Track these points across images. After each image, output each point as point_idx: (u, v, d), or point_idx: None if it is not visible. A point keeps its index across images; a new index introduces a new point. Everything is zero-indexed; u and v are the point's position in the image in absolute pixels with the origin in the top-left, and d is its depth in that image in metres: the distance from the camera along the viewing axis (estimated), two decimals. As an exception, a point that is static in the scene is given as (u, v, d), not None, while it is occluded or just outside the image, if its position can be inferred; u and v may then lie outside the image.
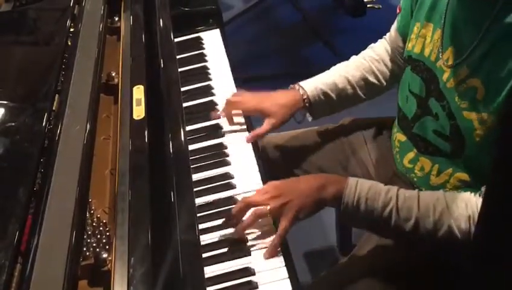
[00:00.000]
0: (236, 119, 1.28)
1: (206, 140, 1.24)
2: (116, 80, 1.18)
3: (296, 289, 0.96)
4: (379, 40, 1.36)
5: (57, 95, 1.03)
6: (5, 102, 1.04)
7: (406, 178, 1.22)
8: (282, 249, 1.02)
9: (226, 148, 1.22)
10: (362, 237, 1.27)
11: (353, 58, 1.35)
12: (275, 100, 1.26)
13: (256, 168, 1.17)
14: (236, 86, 1.38)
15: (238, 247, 1.02)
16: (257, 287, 0.96)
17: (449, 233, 0.98)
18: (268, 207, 1.01)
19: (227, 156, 1.20)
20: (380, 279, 1.12)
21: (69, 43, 1.16)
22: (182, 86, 1.31)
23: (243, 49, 2.78)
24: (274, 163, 1.37)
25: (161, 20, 1.31)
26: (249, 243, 1.02)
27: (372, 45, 1.36)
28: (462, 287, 0.99)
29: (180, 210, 0.90)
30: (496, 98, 0.94)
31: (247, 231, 1.03)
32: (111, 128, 1.09)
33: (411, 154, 1.18)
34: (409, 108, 1.17)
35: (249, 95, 1.29)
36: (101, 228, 0.89)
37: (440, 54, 1.06)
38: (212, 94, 1.36)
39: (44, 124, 0.95)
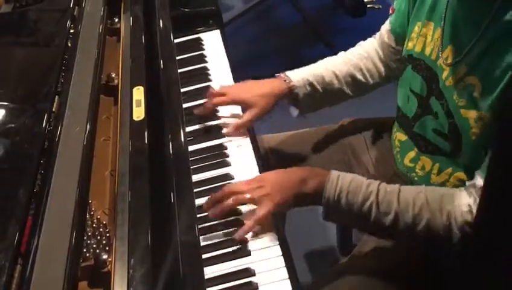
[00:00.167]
0: (236, 119, 1.28)
1: (206, 141, 1.24)
2: (116, 81, 1.18)
3: (296, 289, 0.96)
4: (368, 38, 1.36)
5: (57, 96, 1.03)
6: (5, 103, 1.04)
7: (406, 178, 1.22)
8: (282, 249, 1.02)
9: (226, 149, 1.22)
10: (362, 237, 1.27)
11: (341, 53, 1.34)
12: (257, 90, 1.25)
13: (257, 169, 1.17)
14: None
15: (238, 247, 1.02)
16: (257, 288, 0.96)
17: (428, 228, 0.99)
18: (248, 195, 1.02)
19: (227, 156, 1.20)
20: (380, 279, 1.12)
21: (69, 45, 1.16)
22: (182, 87, 1.31)
23: (243, 50, 2.78)
24: (274, 164, 1.37)
25: (161, 21, 1.31)
26: (249, 244, 1.02)
27: (361, 42, 1.36)
28: (461, 288, 0.99)
29: (180, 211, 0.90)
30: (491, 95, 0.95)
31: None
32: (111, 129, 1.09)
33: (412, 154, 1.18)
34: (409, 107, 1.17)
35: (233, 87, 1.29)
36: (101, 229, 0.89)
37: (440, 53, 1.06)
38: (212, 95, 1.36)
39: (44, 125, 0.95)
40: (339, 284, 1.14)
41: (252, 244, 1.02)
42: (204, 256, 0.98)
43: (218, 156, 1.20)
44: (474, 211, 0.96)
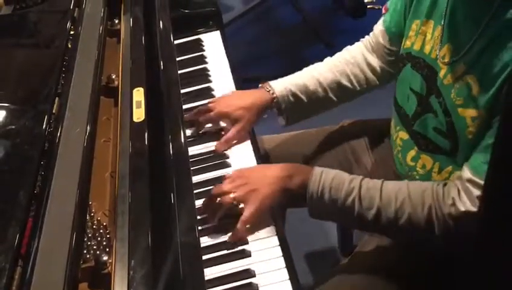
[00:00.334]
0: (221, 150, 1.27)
1: (206, 142, 1.24)
2: (116, 83, 1.18)
3: (296, 290, 0.96)
4: (356, 43, 1.34)
5: (57, 97, 1.03)
6: (6, 105, 1.04)
7: (406, 178, 1.22)
8: (282, 250, 1.02)
9: (226, 150, 1.22)
10: (363, 238, 1.27)
11: (327, 59, 1.33)
12: (240, 103, 1.25)
13: (257, 169, 1.17)
14: (236, 88, 1.38)
15: (238, 248, 1.02)
16: (257, 289, 0.96)
17: (409, 222, 1.00)
18: (233, 195, 1.03)
19: (228, 158, 1.20)
20: (381, 279, 1.12)
21: (69, 46, 1.17)
22: (182, 88, 1.31)
23: (243, 51, 2.78)
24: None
25: (161, 22, 1.31)
26: (250, 245, 1.02)
27: (348, 47, 1.34)
28: (462, 286, 0.99)
29: (180, 212, 0.90)
30: (488, 93, 0.95)
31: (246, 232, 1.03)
32: (111, 130, 1.09)
33: (412, 152, 1.18)
34: (409, 106, 1.17)
35: (219, 100, 1.28)
36: (101, 231, 0.89)
37: (439, 51, 1.06)
38: (213, 96, 1.36)
39: (44, 126, 0.95)
40: (340, 285, 1.14)
41: (252, 245, 1.02)
42: (204, 257, 0.98)
43: (219, 157, 1.20)
44: (459, 204, 0.97)
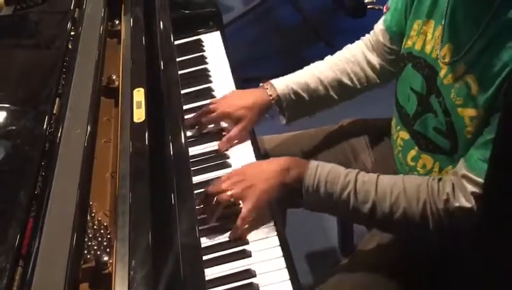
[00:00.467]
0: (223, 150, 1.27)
1: (206, 142, 1.24)
2: (116, 83, 1.18)
3: (297, 290, 0.96)
4: (356, 41, 1.35)
5: (57, 98, 1.03)
6: (6, 105, 1.04)
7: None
8: (283, 250, 1.02)
9: (226, 150, 1.22)
10: (364, 238, 1.27)
11: (328, 58, 1.33)
12: (241, 103, 1.25)
13: (257, 170, 1.17)
14: (236, 88, 1.38)
15: (238, 249, 1.02)
16: (258, 289, 0.96)
17: (404, 216, 1.01)
18: (230, 192, 1.03)
19: (228, 158, 1.20)
20: (382, 277, 1.13)
21: (70, 47, 1.17)
22: (183, 89, 1.31)
23: (244, 51, 2.78)
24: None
25: (161, 23, 1.31)
26: (250, 245, 1.02)
27: (349, 45, 1.35)
28: (463, 283, 0.99)
29: (181, 212, 0.90)
30: (486, 93, 0.95)
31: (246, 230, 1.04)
32: (111, 131, 1.09)
33: (413, 152, 1.18)
34: (409, 106, 1.17)
35: (221, 101, 1.29)
36: (101, 231, 0.89)
37: (439, 51, 1.07)
38: (213, 96, 1.36)
39: (45, 127, 0.95)
40: (341, 284, 1.15)
41: (253, 246, 1.03)
42: (205, 257, 0.98)
43: (219, 157, 1.21)
44: (453, 199, 0.98)
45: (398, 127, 1.24)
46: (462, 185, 0.97)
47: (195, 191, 1.06)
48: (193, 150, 1.21)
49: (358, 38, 1.38)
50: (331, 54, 1.35)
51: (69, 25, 1.20)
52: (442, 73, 1.05)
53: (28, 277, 0.74)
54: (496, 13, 0.94)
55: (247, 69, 2.59)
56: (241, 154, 1.21)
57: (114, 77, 1.19)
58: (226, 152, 1.21)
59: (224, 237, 1.04)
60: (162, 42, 1.26)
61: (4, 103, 1.05)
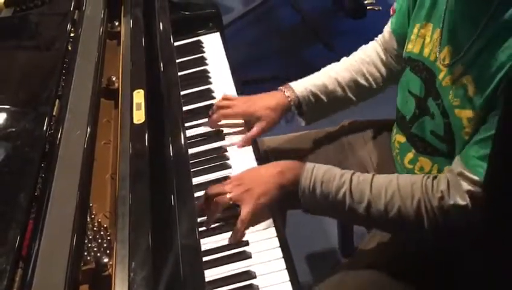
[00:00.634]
0: (236, 122, 1.28)
1: (206, 143, 1.24)
2: (116, 85, 1.18)
3: (296, 291, 0.96)
4: (370, 42, 1.36)
5: (57, 99, 1.03)
6: (6, 107, 1.04)
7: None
8: (283, 251, 1.02)
9: (226, 151, 1.22)
10: (364, 239, 1.27)
11: (343, 59, 1.35)
12: (264, 103, 1.26)
13: (257, 171, 1.17)
14: (236, 89, 1.38)
15: (238, 250, 1.02)
16: (258, 291, 0.96)
17: (399, 215, 1.01)
18: (229, 195, 1.04)
19: (228, 159, 1.20)
20: (383, 277, 1.13)
21: (70, 48, 1.17)
22: (182, 90, 1.31)
23: (243, 52, 2.78)
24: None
25: (161, 24, 1.31)
26: (250, 246, 1.02)
27: (363, 46, 1.36)
28: (463, 283, 0.99)
29: (181, 214, 0.90)
30: (483, 94, 0.95)
31: (248, 233, 1.04)
32: (111, 132, 1.09)
33: (410, 155, 1.19)
34: (407, 108, 1.18)
35: (238, 99, 1.30)
36: (101, 233, 0.89)
37: (438, 54, 1.07)
38: (213, 97, 1.37)
39: (45, 128, 0.96)
40: (341, 285, 1.15)
41: (253, 247, 1.03)
42: (205, 259, 0.98)
43: (219, 158, 1.21)
44: (447, 197, 0.98)
45: (395, 131, 1.25)
46: (457, 182, 0.98)
47: (195, 193, 1.06)
48: (193, 151, 1.21)
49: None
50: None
51: (68, 27, 1.20)
52: (441, 75, 1.06)
53: (28, 278, 0.74)
54: (493, 15, 0.94)
55: (247, 70, 2.59)
56: (241, 156, 1.21)
57: (114, 79, 1.19)
58: (225, 153, 1.21)
59: (224, 239, 1.04)
60: (162, 43, 1.26)
61: (4, 104, 1.05)
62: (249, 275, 0.98)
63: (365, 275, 1.14)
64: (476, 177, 0.95)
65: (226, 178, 1.15)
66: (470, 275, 0.93)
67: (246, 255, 1.01)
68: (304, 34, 2.92)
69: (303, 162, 1.09)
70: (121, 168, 0.96)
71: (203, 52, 1.51)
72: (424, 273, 1.13)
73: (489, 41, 0.95)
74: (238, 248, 1.02)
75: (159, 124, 1.05)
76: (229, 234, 1.04)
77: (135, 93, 1.10)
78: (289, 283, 0.97)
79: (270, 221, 1.07)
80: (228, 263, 1.00)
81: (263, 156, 1.29)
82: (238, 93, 1.37)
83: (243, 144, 1.23)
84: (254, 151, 1.23)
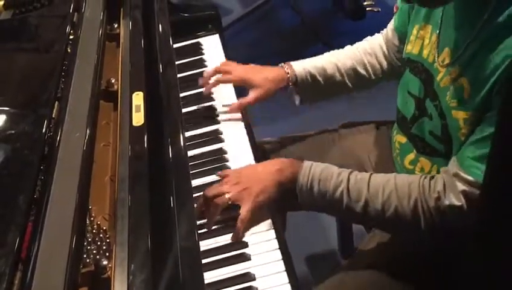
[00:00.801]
0: (236, 123, 1.28)
1: (205, 145, 1.24)
2: (115, 87, 1.18)
3: (296, 293, 0.96)
4: (376, 34, 1.38)
5: (56, 102, 1.03)
6: (5, 109, 1.04)
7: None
8: (282, 253, 1.02)
9: (225, 153, 1.22)
10: (363, 240, 1.27)
11: (347, 47, 1.37)
12: (262, 73, 1.31)
13: (256, 173, 1.17)
14: (235, 90, 1.38)
15: (238, 252, 1.02)
16: (257, 293, 0.96)
17: (396, 214, 1.01)
18: (228, 195, 1.04)
19: (227, 161, 1.21)
20: (382, 279, 1.13)
21: (69, 50, 1.17)
22: (182, 92, 1.31)
23: (243, 53, 2.77)
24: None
25: (160, 26, 1.31)
26: (249, 248, 1.02)
27: (368, 37, 1.38)
28: (463, 283, 0.99)
29: (180, 216, 0.90)
30: (478, 96, 0.95)
31: (247, 234, 1.04)
32: (111, 134, 1.09)
33: (411, 156, 1.19)
34: (408, 109, 1.18)
35: (237, 66, 1.34)
36: (101, 235, 0.89)
37: (436, 55, 1.07)
38: (212, 99, 1.37)
39: (44, 131, 0.96)
40: (340, 286, 1.15)
41: (252, 249, 1.02)
42: (204, 261, 0.98)
43: (218, 160, 1.21)
44: (443, 197, 0.98)
45: (396, 131, 1.25)
46: (452, 183, 0.98)
47: (195, 194, 1.06)
48: (192, 153, 1.21)
49: (357, 40, 1.39)
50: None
51: (68, 29, 1.20)
52: (439, 76, 1.06)
53: (28, 280, 0.74)
54: (490, 17, 0.94)
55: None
56: (241, 158, 1.21)
57: (113, 81, 1.19)
58: (225, 155, 1.21)
59: (223, 240, 1.04)
60: (161, 45, 1.26)
61: (3, 106, 1.05)
62: (248, 277, 0.98)
63: (365, 276, 1.14)
64: (471, 178, 0.96)
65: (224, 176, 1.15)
66: (468, 275, 0.93)
67: (245, 257, 1.01)
68: (303, 35, 2.92)
69: (301, 160, 1.09)
70: (120, 170, 0.96)
71: (203, 54, 1.51)
72: (424, 274, 1.13)
73: (484, 43, 0.95)
74: (237, 249, 1.02)
75: (158, 126, 1.05)
76: (228, 235, 1.04)
77: (134, 95, 1.10)
78: (288, 285, 0.97)
79: (269, 223, 1.07)
80: (227, 265, 1.00)
81: (262, 158, 1.29)
82: (237, 96, 1.37)
83: (235, 110, 1.27)
84: (253, 152, 1.23)
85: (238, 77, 1.31)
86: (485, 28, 0.95)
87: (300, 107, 1.38)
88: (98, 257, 0.85)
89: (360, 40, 1.39)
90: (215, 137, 1.26)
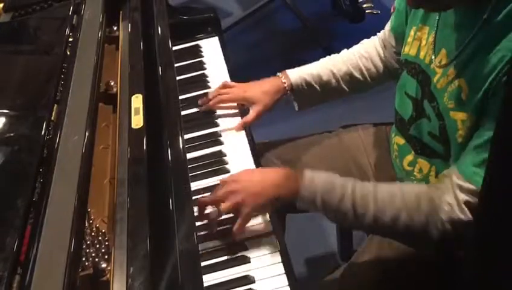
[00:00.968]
0: (234, 123, 1.29)
1: (204, 148, 1.24)
2: (114, 89, 1.18)
3: (296, 296, 0.96)
4: (372, 37, 1.39)
5: (55, 104, 1.04)
6: (5, 111, 1.05)
7: (404, 182, 1.22)
8: (282, 256, 1.02)
9: (225, 155, 1.22)
10: (363, 243, 1.27)
11: (343, 52, 1.38)
12: (259, 88, 1.33)
13: (256, 175, 1.17)
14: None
15: (237, 255, 1.02)
16: (257, 295, 0.96)
17: (406, 228, 1.00)
18: (224, 206, 1.03)
19: (226, 163, 1.20)
20: (381, 282, 1.12)
21: (68, 53, 1.17)
22: (181, 94, 1.31)
23: (242, 56, 2.78)
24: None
25: (159, 29, 1.31)
26: (249, 251, 1.02)
27: (365, 40, 1.39)
28: (462, 287, 0.99)
29: (179, 219, 0.90)
30: (476, 97, 0.95)
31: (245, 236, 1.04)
32: (110, 137, 1.09)
33: (410, 157, 1.19)
34: (405, 110, 1.18)
35: (236, 85, 1.36)
36: (100, 238, 0.89)
37: (433, 56, 1.07)
38: (211, 102, 1.36)
39: (43, 133, 0.96)
40: (340, 289, 1.14)
41: (252, 252, 1.02)
42: (203, 263, 0.98)
43: (217, 163, 1.20)
44: (451, 210, 0.97)
45: (394, 133, 1.25)
46: (457, 194, 0.97)
47: (194, 197, 1.06)
48: (191, 156, 1.21)
49: (357, 43, 1.39)
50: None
51: (67, 31, 1.21)
52: (436, 78, 1.06)
53: (26, 284, 0.74)
54: (488, 17, 0.94)
55: (245, 74, 2.58)
56: (240, 161, 1.21)
57: (112, 83, 1.19)
58: (224, 158, 1.21)
59: (222, 243, 1.04)
60: (160, 48, 1.26)
61: (3, 109, 1.05)
62: (248, 279, 0.98)
63: (364, 279, 1.14)
64: (472, 186, 0.95)
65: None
66: (469, 280, 0.93)
67: (244, 260, 1.01)
68: (303, 38, 2.92)
69: (300, 170, 1.07)
70: (119, 173, 0.96)
71: (202, 56, 1.51)
72: (423, 276, 1.13)
73: (481, 44, 0.95)
74: (236, 252, 1.02)
75: (157, 129, 1.05)
76: (227, 238, 1.04)
77: (133, 97, 1.10)
78: (288, 287, 0.97)
79: (269, 225, 1.07)
80: (227, 268, 1.00)
81: (262, 162, 1.29)
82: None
83: (240, 128, 1.28)
84: (253, 155, 1.23)
85: (237, 95, 1.33)
86: (483, 28, 0.95)
87: (298, 110, 1.38)
88: (96, 259, 0.85)
89: (360, 42, 1.39)
90: (215, 139, 1.26)
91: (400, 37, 1.25)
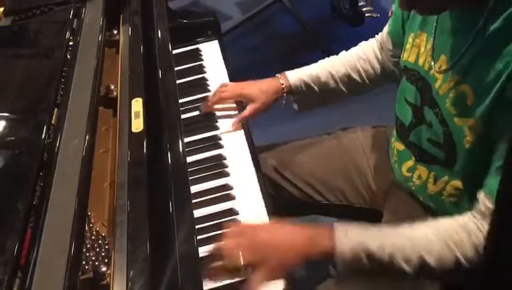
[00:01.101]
0: (235, 128, 1.29)
1: (204, 151, 1.24)
2: (115, 93, 1.18)
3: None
4: (370, 39, 1.40)
5: (56, 108, 1.04)
6: (5, 115, 1.05)
7: (404, 187, 1.22)
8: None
9: (225, 159, 1.22)
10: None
11: (342, 54, 1.39)
12: (257, 86, 1.34)
13: (256, 179, 1.18)
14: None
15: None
16: (256, 299, 0.95)
17: (441, 270, 0.96)
18: (243, 260, 0.94)
19: (226, 167, 1.20)
20: (380, 284, 1.12)
21: (68, 56, 1.17)
22: (181, 98, 1.31)
23: (242, 59, 2.78)
24: (273, 174, 1.37)
25: (159, 32, 1.32)
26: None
27: (363, 43, 1.40)
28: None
29: (179, 222, 0.90)
30: (483, 103, 0.95)
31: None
32: (110, 141, 1.09)
33: (409, 163, 1.19)
34: (405, 116, 1.18)
35: (233, 84, 1.38)
36: (100, 241, 0.89)
37: (432, 62, 1.07)
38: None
39: (43, 137, 0.96)
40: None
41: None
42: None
43: (217, 166, 1.21)
44: (482, 237, 0.93)
45: (394, 138, 1.25)
46: (483, 223, 0.94)
47: (194, 201, 1.06)
48: (191, 159, 1.21)
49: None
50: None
51: (67, 35, 1.21)
52: (437, 84, 1.06)
53: (26, 287, 0.74)
54: (485, 23, 0.94)
55: (245, 77, 2.59)
56: (240, 164, 1.21)
57: (112, 87, 1.19)
58: (224, 161, 1.21)
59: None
60: (160, 52, 1.26)
61: (3, 112, 1.05)
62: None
63: (363, 283, 1.14)
64: None
65: (224, 186, 1.15)
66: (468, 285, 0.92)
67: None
68: (302, 41, 2.93)
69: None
70: (120, 176, 0.96)
71: (202, 60, 1.51)
72: (423, 279, 1.12)
73: (482, 49, 0.95)
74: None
75: (157, 132, 1.05)
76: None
77: (134, 101, 1.10)
78: (286, 291, 0.97)
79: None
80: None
81: (262, 165, 1.29)
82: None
83: (237, 126, 1.29)
84: (253, 159, 1.23)
85: (234, 92, 1.34)
86: (481, 33, 0.95)
87: (298, 112, 1.39)
88: (97, 263, 0.85)
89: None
90: (214, 143, 1.26)
91: (396, 41, 1.26)
